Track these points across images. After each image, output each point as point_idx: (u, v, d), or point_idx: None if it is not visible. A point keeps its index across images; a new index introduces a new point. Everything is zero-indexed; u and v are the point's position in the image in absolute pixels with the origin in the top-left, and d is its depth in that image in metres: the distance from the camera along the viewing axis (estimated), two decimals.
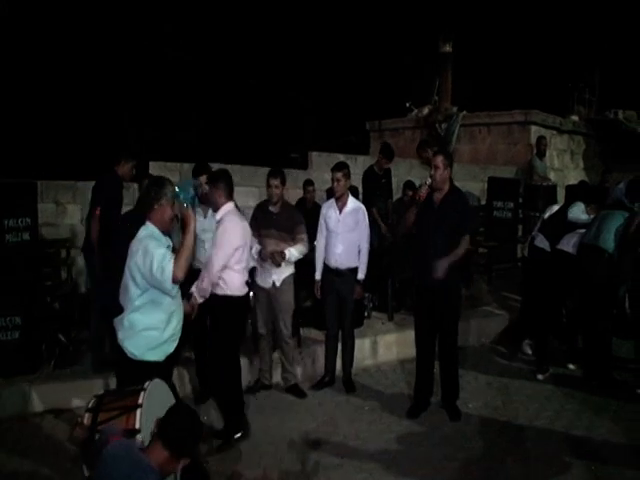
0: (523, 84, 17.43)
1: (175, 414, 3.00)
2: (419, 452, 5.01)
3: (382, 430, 5.40)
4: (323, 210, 6.27)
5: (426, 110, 14.01)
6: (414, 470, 4.71)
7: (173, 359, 4.31)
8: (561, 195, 10.29)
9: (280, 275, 5.88)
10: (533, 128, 12.19)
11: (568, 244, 6.71)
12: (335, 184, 6.05)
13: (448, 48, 14.08)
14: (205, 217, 5.64)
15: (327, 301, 6.21)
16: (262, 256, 5.82)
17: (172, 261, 3.84)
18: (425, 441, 5.21)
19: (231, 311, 5.11)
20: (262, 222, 5.91)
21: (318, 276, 6.23)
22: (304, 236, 5.95)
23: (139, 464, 2.79)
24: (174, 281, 3.86)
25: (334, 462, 4.81)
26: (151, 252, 3.89)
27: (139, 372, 3.91)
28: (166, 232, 4.14)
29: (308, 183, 9.00)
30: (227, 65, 17.78)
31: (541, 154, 11.26)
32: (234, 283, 5.09)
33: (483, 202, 10.84)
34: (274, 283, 5.88)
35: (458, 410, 5.70)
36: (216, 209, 5.13)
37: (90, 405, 3.48)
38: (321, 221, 6.24)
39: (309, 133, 18.66)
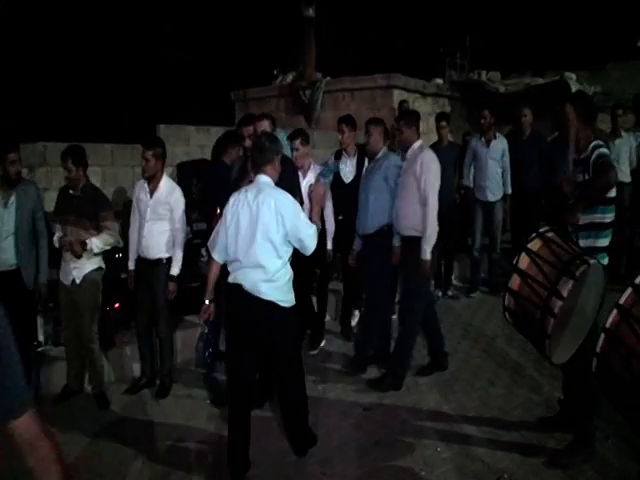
0: (394, 49, 17.32)
1: None
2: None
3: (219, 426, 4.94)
4: (135, 191, 5.66)
5: (290, 77, 13.58)
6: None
7: None
8: None
9: (81, 271, 5.24)
10: (396, 92, 11.94)
11: None
12: (144, 164, 5.39)
13: (311, 12, 13.63)
14: None
15: (137, 295, 5.62)
16: (61, 244, 5.20)
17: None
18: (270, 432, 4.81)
19: None
20: (62, 206, 5.30)
21: (131, 266, 5.64)
22: (109, 224, 5.29)
23: None
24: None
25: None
26: (295, 210, 4.14)
27: (292, 318, 4.21)
28: None
29: None
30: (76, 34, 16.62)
31: None
32: None
33: None
34: (74, 280, 5.24)
35: None
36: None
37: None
38: (134, 204, 5.63)
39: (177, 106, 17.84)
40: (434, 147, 8.12)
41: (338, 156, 6.64)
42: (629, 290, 3.39)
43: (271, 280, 4.05)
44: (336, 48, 14.96)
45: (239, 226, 4.10)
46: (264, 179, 4.22)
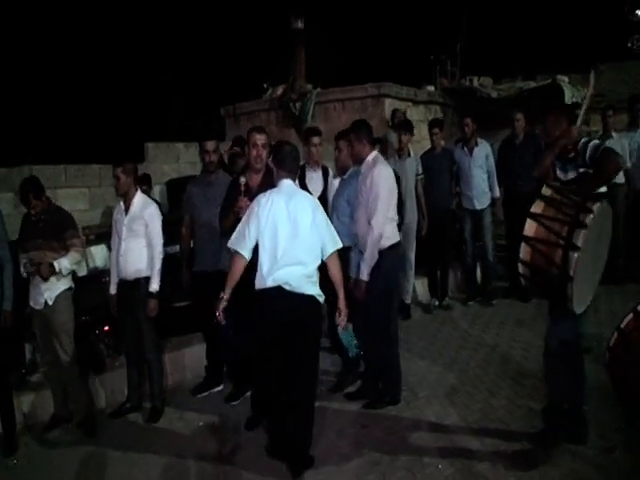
0: (384, 58, 17.25)
1: None
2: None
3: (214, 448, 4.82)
4: (114, 213, 5.61)
5: (280, 90, 13.44)
6: None
7: None
8: None
9: (53, 292, 5.10)
10: (387, 101, 11.80)
11: None
12: (115, 182, 5.36)
13: (300, 24, 13.55)
14: None
15: (122, 318, 5.52)
16: (28, 270, 5.05)
17: None
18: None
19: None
20: (26, 232, 5.19)
21: (112, 290, 5.54)
22: (76, 241, 5.20)
23: None
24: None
25: None
26: (324, 214, 4.52)
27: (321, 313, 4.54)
28: None
29: (143, 181, 8.22)
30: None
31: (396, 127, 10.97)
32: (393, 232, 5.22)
33: None
34: (46, 302, 5.10)
35: None
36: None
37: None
38: (112, 227, 5.59)
39: (172, 122, 17.72)
40: (427, 154, 8.08)
41: (302, 172, 6.40)
42: (630, 316, 3.50)
43: (311, 276, 4.33)
44: (326, 59, 14.87)
45: (276, 227, 4.27)
46: (291, 183, 4.48)
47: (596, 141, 4.21)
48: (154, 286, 5.28)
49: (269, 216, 4.28)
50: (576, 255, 3.69)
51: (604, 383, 5.07)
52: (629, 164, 8.39)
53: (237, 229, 4.43)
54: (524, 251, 3.97)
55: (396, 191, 5.38)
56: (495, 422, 4.92)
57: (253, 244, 4.32)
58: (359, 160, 5.34)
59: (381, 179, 5.11)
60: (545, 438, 4.40)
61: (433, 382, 5.81)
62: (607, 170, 4.09)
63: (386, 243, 5.18)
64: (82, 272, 5.67)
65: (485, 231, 8.12)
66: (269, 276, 4.25)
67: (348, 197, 5.53)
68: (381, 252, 5.14)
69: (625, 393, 4.27)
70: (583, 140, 4.24)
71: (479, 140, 8.08)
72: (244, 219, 4.42)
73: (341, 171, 5.80)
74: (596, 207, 3.79)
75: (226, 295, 4.37)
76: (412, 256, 7.71)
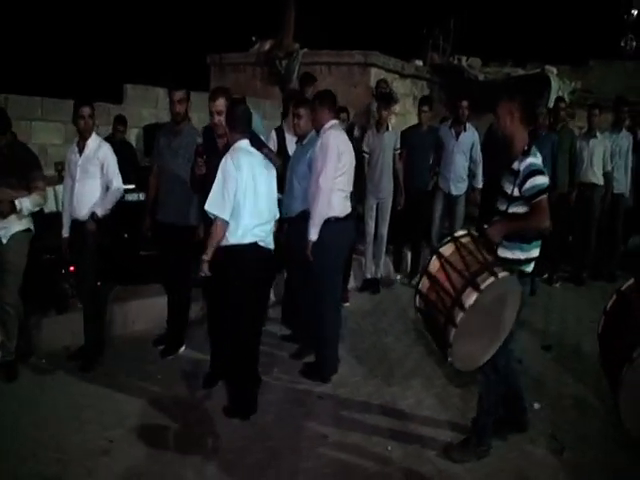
0: (375, 26, 17.04)
1: None
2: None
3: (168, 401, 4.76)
4: (67, 154, 5.50)
5: (268, 45, 13.13)
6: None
7: None
8: None
9: (9, 230, 4.97)
10: (373, 70, 11.66)
11: None
12: (82, 123, 5.22)
13: None
14: None
15: (76, 260, 5.52)
16: None
17: None
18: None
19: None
20: None
21: (65, 233, 5.45)
22: (40, 184, 5.08)
23: None
24: None
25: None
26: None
27: None
28: None
29: (119, 121, 8.05)
30: None
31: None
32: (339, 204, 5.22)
33: None
34: (1, 240, 4.97)
35: None
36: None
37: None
38: (65, 169, 5.52)
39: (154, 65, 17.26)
40: (412, 130, 8.01)
41: (282, 134, 6.35)
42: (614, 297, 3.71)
43: (272, 232, 4.69)
44: (316, 19, 14.56)
45: (255, 187, 4.43)
46: (248, 142, 4.56)
47: (540, 180, 3.84)
48: (99, 210, 5.19)
49: (248, 177, 4.37)
50: (453, 330, 3.52)
51: (560, 383, 5.18)
52: (609, 167, 8.40)
53: (213, 192, 4.35)
54: (419, 302, 3.85)
55: (353, 162, 5.42)
56: (450, 409, 4.91)
57: (232, 207, 4.32)
58: (320, 127, 5.32)
59: (330, 141, 5.13)
60: (468, 444, 4.27)
61: (394, 361, 5.81)
62: (534, 225, 3.88)
63: (330, 213, 5.16)
64: (47, 209, 5.55)
65: (456, 218, 8.09)
66: (247, 233, 4.41)
67: (309, 161, 5.45)
68: (324, 222, 5.15)
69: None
70: (530, 162, 3.90)
71: (469, 125, 8.00)
72: (220, 182, 4.34)
73: (301, 137, 5.70)
74: (485, 284, 3.50)
75: (208, 257, 4.39)
76: (384, 231, 7.69)
